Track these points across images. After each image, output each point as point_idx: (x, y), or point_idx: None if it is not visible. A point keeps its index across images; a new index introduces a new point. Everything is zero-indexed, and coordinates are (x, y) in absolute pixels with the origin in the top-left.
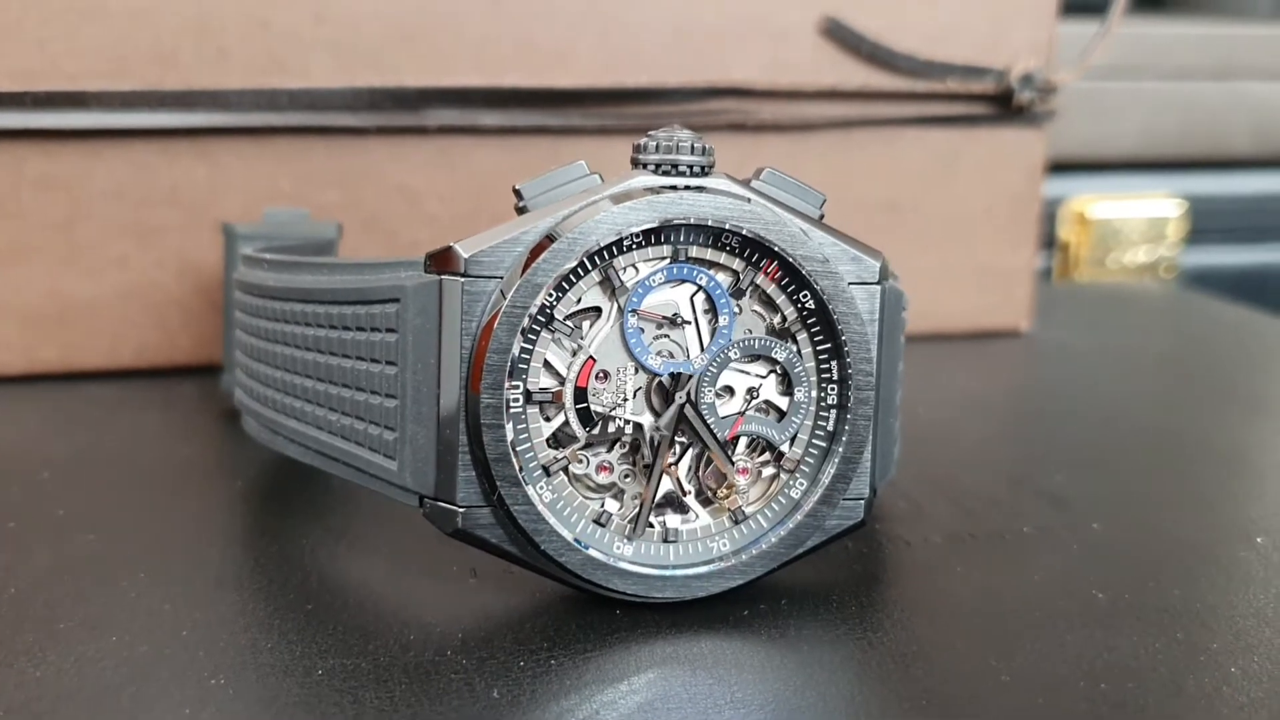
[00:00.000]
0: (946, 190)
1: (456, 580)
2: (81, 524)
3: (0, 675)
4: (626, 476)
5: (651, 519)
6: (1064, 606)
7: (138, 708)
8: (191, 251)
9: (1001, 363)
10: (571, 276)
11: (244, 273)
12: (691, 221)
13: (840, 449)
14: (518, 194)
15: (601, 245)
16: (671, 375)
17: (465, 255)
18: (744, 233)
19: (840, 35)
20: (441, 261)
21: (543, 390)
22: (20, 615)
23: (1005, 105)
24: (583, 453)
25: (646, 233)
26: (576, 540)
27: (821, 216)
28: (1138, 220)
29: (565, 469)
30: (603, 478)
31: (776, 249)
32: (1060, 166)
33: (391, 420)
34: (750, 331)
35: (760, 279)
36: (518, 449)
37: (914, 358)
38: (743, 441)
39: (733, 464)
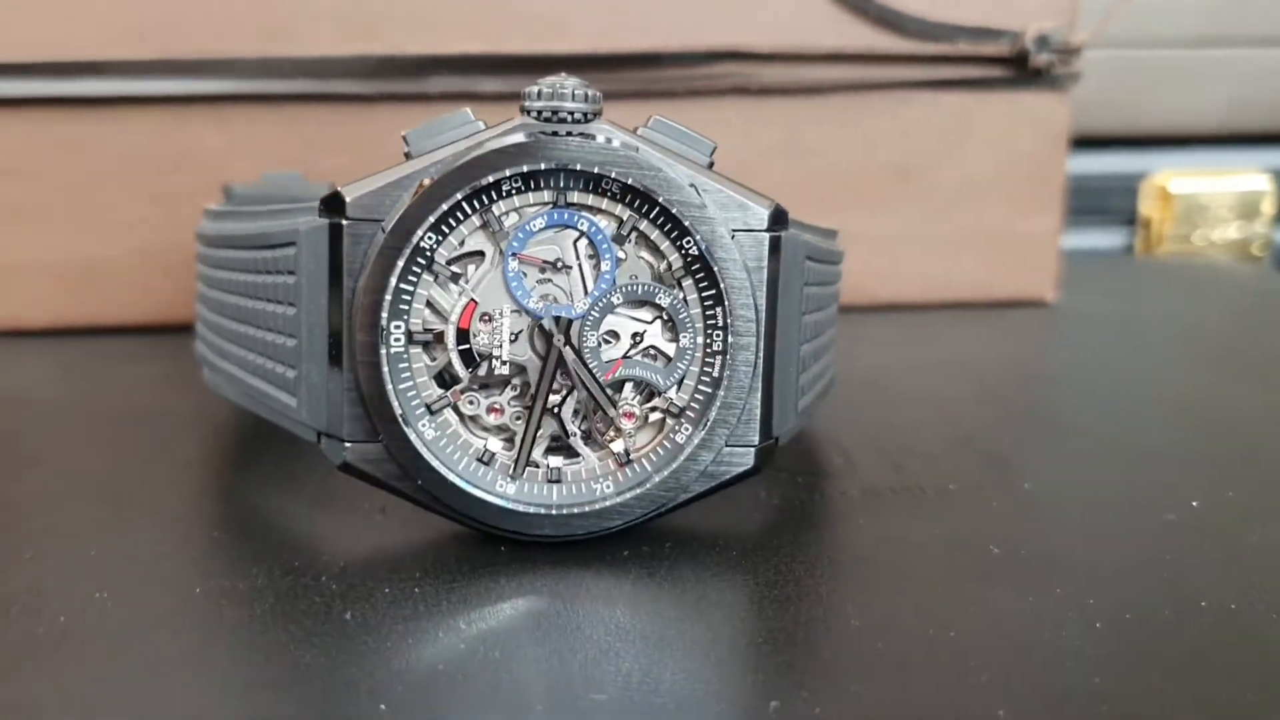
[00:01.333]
0: (960, 155)
1: (366, 516)
2: (43, 460)
3: None
4: (517, 418)
5: (538, 459)
6: (952, 560)
7: (23, 616)
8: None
9: (1011, 332)
10: (451, 220)
11: (200, 225)
12: (571, 167)
13: (722, 394)
14: (405, 140)
15: (477, 188)
16: (554, 319)
17: (349, 199)
18: (626, 180)
19: None
20: (330, 206)
21: (425, 330)
22: None
23: (1022, 68)
24: (475, 394)
25: (525, 177)
26: (459, 477)
27: (711, 164)
28: (1226, 195)
29: (454, 407)
30: (494, 419)
31: (655, 196)
32: (1142, 140)
33: (292, 359)
34: (636, 277)
35: (644, 225)
36: (399, 387)
37: (920, 324)
38: (629, 386)
39: (615, 407)
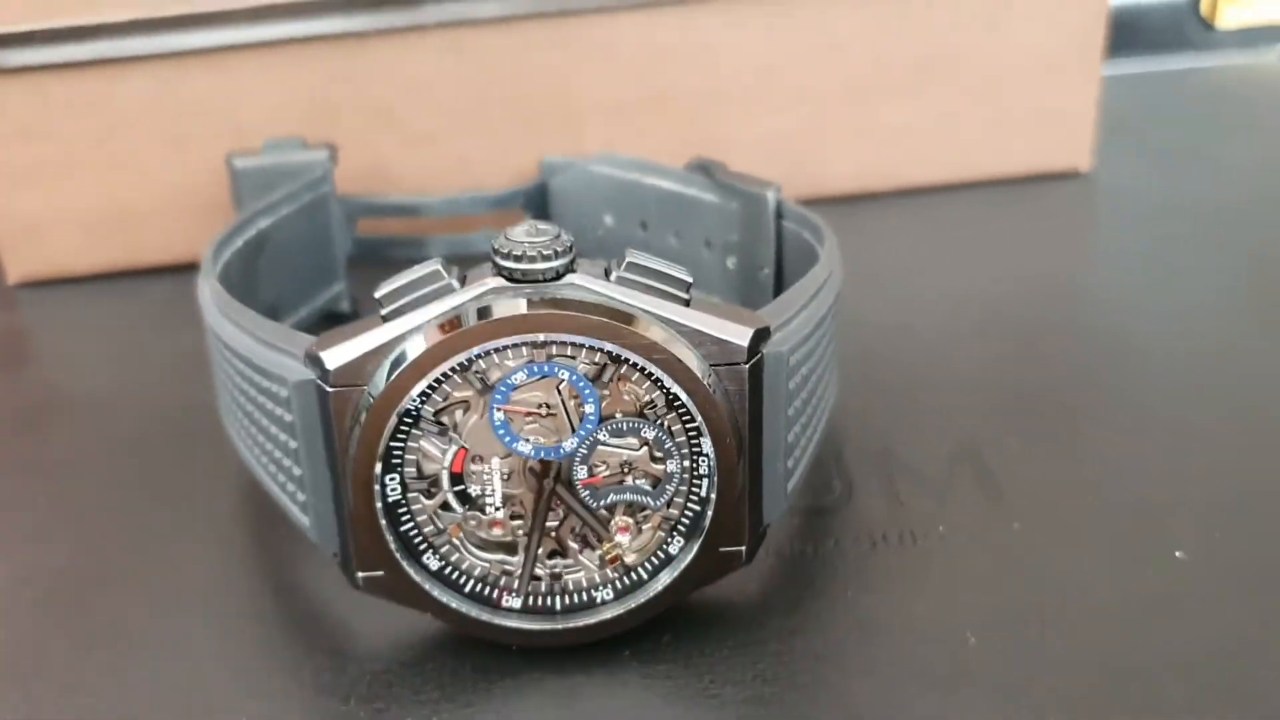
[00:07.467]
0: (997, 35)
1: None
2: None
3: None
4: (519, 530)
5: (538, 571)
6: (926, 656)
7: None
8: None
9: (1039, 228)
10: (434, 383)
11: (200, 277)
12: (539, 340)
13: (711, 512)
14: (379, 303)
15: (452, 366)
16: (542, 461)
17: (331, 368)
18: (602, 348)
19: None
20: (314, 364)
21: (420, 477)
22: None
23: None
24: (477, 513)
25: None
26: (463, 601)
27: (688, 302)
28: None
29: (460, 531)
30: (498, 532)
31: (627, 358)
32: None
33: (301, 486)
34: (620, 415)
35: (624, 369)
36: (401, 528)
37: (944, 220)
38: (620, 507)
39: (609, 529)
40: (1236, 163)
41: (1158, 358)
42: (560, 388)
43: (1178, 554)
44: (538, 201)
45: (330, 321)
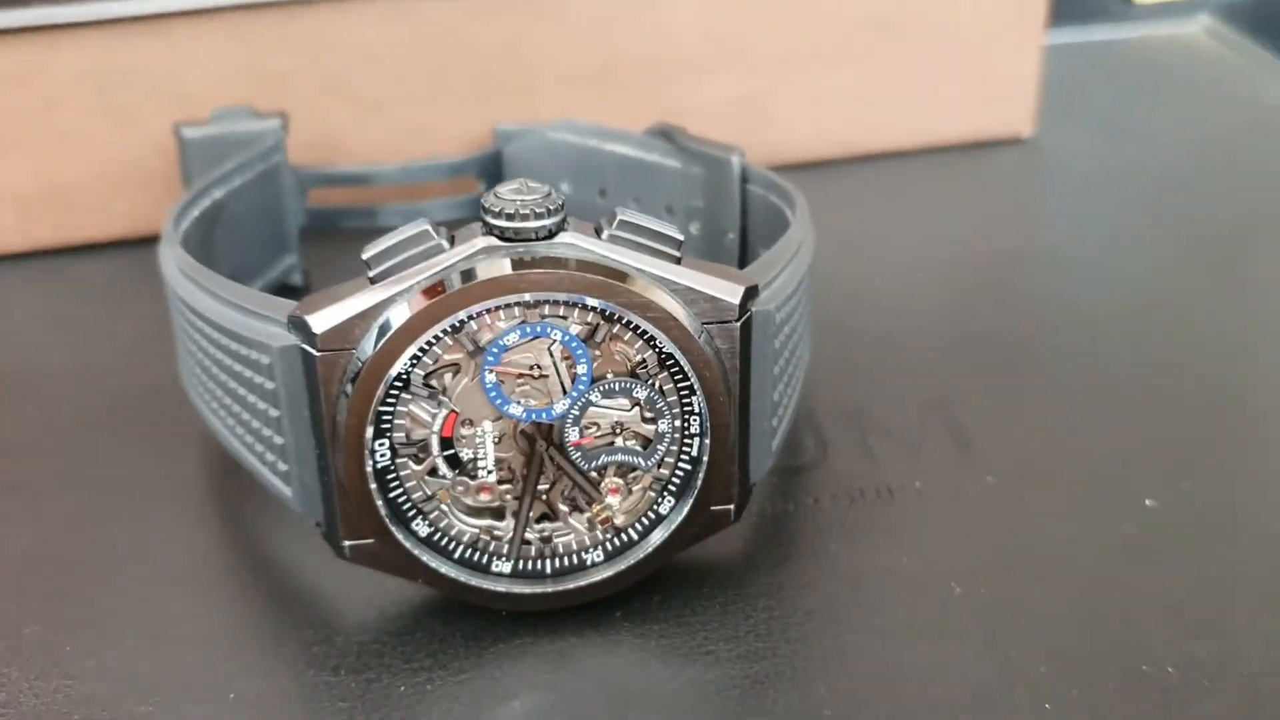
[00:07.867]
0: (944, 4)
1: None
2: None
3: None
4: (508, 494)
5: (528, 535)
6: (914, 607)
7: None
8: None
9: (983, 198)
10: (424, 346)
11: (162, 242)
12: (530, 300)
13: (703, 471)
14: (366, 264)
15: (443, 328)
16: (534, 423)
17: (317, 332)
18: (595, 307)
19: None
20: (299, 329)
21: (410, 442)
22: None
23: None
24: (464, 479)
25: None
26: (454, 567)
27: (679, 260)
28: None
29: (447, 498)
30: (485, 497)
31: (621, 316)
32: None
33: (283, 455)
34: (611, 374)
35: (616, 328)
36: (389, 495)
37: (891, 177)
38: (611, 468)
39: (600, 490)
40: (1169, 129)
41: (1105, 316)
42: (552, 349)
43: (1148, 502)
44: (492, 169)
45: (284, 295)
